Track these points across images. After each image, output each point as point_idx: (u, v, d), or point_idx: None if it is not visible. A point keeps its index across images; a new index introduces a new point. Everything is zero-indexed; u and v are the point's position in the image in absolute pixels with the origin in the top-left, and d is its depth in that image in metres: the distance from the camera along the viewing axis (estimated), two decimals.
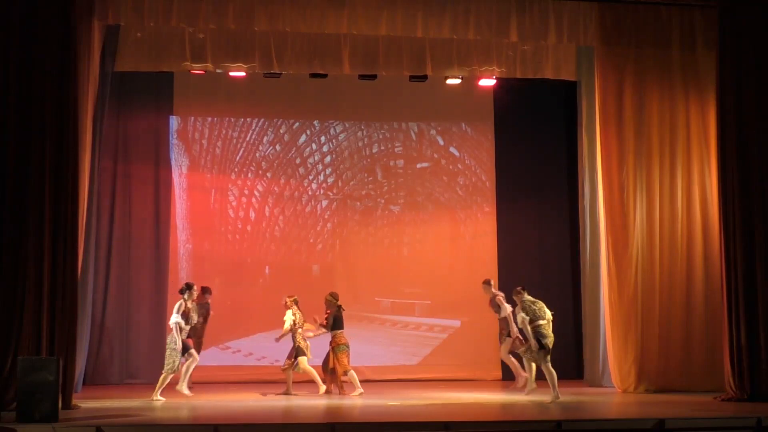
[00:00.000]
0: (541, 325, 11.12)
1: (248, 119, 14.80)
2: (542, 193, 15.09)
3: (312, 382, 12.07)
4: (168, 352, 11.30)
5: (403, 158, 15.15)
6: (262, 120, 14.85)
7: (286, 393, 11.94)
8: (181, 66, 12.49)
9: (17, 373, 9.22)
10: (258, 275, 14.59)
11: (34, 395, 8.96)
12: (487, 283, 12.65)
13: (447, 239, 15.09)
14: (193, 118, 14.69)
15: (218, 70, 12.71)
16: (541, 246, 15.04)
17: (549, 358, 11.12)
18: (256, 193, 14.74)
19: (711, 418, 9.48)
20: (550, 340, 11.12)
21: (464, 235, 15.14)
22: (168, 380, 11.31)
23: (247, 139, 14.79)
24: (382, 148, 15.13)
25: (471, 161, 15.25)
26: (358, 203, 14.97)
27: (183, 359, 11.41)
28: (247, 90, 14.38)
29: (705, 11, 12.19)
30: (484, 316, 14.56)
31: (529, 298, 11.29)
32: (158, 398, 11.17)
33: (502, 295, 12.51)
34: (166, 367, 11.24)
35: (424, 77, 13.38)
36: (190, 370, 11.58)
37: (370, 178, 15.07)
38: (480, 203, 15.19)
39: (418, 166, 15.17)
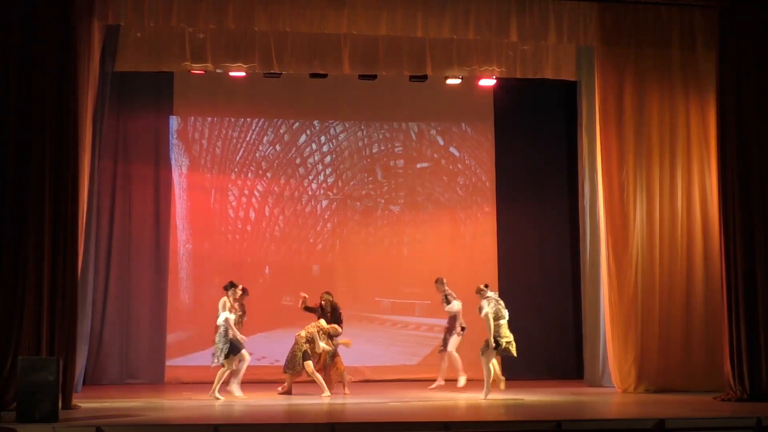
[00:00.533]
0: (501, 324, 11.23)
1: (248, 119, 14.80)
2: (542, 193, 15.09)
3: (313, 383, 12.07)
4: (218, 349, 11.35)
5: (403, 158, 15.15)
6: (262, 120, 14.85)
7: (287, 393, 11.94)
8: (181, 66, 12.48)
9: (17, 373, 9.21)
10: (258, 275, 14.58)
11: (34, 395, 8.95)
12: (440, 281, 12.68)
13: (447, 239, 15.09)
14: (193, 118, 14.69)
15: (218, 70, 12.70)
16: (541, 246, 15.04)
17: (497, 358, 11.26)
18: (256, 193, 14.74)
19: (711, 418, 9.47)
20: (505, 341, 11.23)
21: (464, 235, 15.14)
22: (223, 377, 11.40)
23: (247, 139, 14.79)
24: (382, 148, 15.13)
25: (471, 161, 15.25)
26: (358, 203, 14.97)
27: (236, 359, 11.47)
28: (247, 90, 14.38)
29: (705, 11, 12.18)
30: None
31: (494, 295, 11.39)
32: (216, 396, 11.33)
33: (453, 294, 12.57)
34: (214, 362, 11.41)
35: (424, 77, 13.37)
36: (242, 372, 11.54)
37: (370, 178, 15.07)
38: (480, 203, 15.18)
39: (418, 166, 15.17)
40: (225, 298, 11.53)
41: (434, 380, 12.74)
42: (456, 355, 12.57)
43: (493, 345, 11.18)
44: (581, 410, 10.49)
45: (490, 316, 11.19)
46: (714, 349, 11.93)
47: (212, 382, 13.46)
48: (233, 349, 11.41)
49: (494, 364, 11.38)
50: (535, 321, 14.76)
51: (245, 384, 12.25)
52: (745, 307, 11.29)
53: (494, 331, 11.19)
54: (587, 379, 13.37)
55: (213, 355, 11.55)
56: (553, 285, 14.89)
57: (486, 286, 11.56)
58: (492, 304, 11.27)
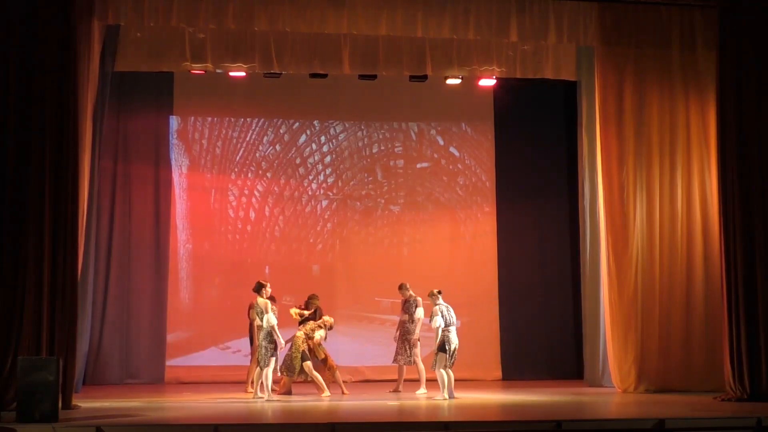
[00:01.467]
0: (451, 330, 11.27)
1: (248, 119, 14.80)
2: (542, 193, 15.09)
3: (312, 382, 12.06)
4: (264, 351, 11.21)
5: (403, 158, 15.15)
6: (262, 120, 14.85)
7: (286, 393, 11.94)
8: (181, 66, 12.48)
9: (17, 373, 9.21)
10: (258, 275, 14.52)
11: (34, 395, 8.95)
12: (404, 287, 12.27)
13: (447, 239, 15.09)
14: (193, 118, 14.69)
15: (218, 70, 12.71)
16: (541, 246, 15.04)
17: (451, 363, 11.27)
18: (256, 193, 14.74)
19: (711, 418, 9.47)
20: (455, 347, 11.27)
21: (464, 235, 15.14)
22: (268, 377, 11.22)
23: (247, 139, 14.79)
24: (382, 148, 15.13)
25: (471, 161, 15.25)
26: (358, 203, 14.97)
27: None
28: (247, 90, 14.38)
29: (705, 11, 12.19)
30: (484, 316, 14.59)
31: (444, 303, 11.37)
32: (260, 395, 11.23)
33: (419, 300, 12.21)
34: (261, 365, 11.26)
35: (424, 77, 13.38)
36: (270, 377, 11.30)
37: (370, 178, 15.07)
38: (480, 203, 15.18)
39: (418, 166, 15.16)
40: (267, 300, 11.35)
41: (436, 380, 12.66)
42: (422, 364, 12.16)
43: (444, 351, 11.19)
44: (581, 410, 10.49)
45: (441, 329, 11.20)
46: (714, 349, 11.93)
47: (210, 382, 13.51)
48: (275, 350, 11.26)
49: (449, 372, 11.31)
50: (535, 321, 14.77)
51: (242, 384, 12.27)
52: (745, 307, 11.29)
53: (444, 337, 11.20)
54: (587, 379, 13.37)
55: (263, 357, 11.24)
56: (553, 285, 14.89)
57: (439, 292, 11.47)
58: (443, 314, 11.25)
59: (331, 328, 12.16)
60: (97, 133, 12.06)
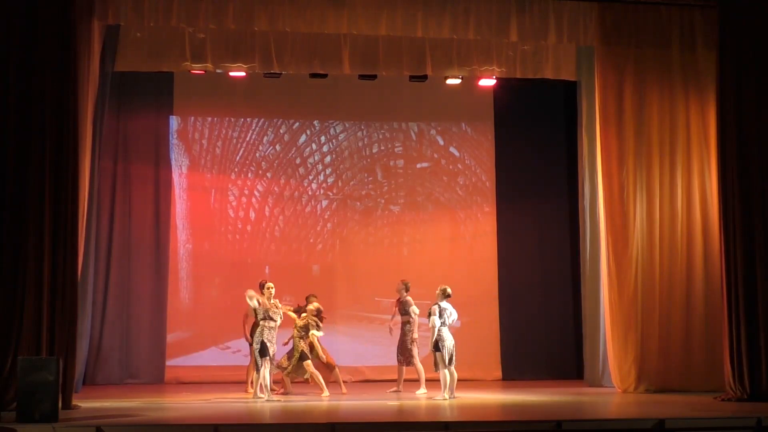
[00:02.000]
0: (443, 330, 11.22)
1: (248, 119, 14.80)
2: (542, 193, 15.09)
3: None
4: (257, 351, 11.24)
5: (403, 158, 15.15)
6: (262, 120, 14.85)
7: (286, 393, 11.94)
8: (181, 66, 12.48)
9: (17, 373, 9.21)
10: (258, 275, 14.52)
11: (34, 395, 8.95)
12: (405, 285, 12.26)
13: (447, 239, 15.09)
14: (193, 118, 14.70)
15: (218, 70, 12.71)
16: (541, 246, 15.04)
17: (451, 360, 11.19)
18: (256, 193, 14.74)
19: (711, 418, 9.47)
20: (449, 343, 11.19)
21: (464, 235, 15.14)
22: (263, 377, 11.17)
23: (247, 139, 14.79)
24: (382, 148, 15.13)
25: (471, 161, 15.25)
26: (358, 203, 14.97)
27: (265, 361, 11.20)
28: (247, 90, 14.38)
29: (705, 11, 12.19)
30: (484, 316, 14.60)
31: (448, 304, 11.33)
32: (260, 395, 11.18)
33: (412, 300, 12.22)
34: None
35: (424, 77, 13.38)
36: (268, 377, 11.26)
37: (370, 178, 15.07)
38: (480, 203, 15.18)
39: (418, 166, 15.17)
40: (254, 296, 11.30)
41: (436, 380, 12.65)
42: (420, 365, 12.15)
43: (438, 350, 11.15)
44: (581, 410, 10.49)
45: (437, 329, 11.15)
46: (714, 349, 11.93)
47: (210, 382, 13.52)
48: (263, 350, 11.20)
49: (452, 372, 11.28)
50: (535, 321, 14.78)
51: (242, 384, 12.27)
52: (745, 307, 11.29)
53: (438, 336, 11.15)
54: (587, 379, 13.37)
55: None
56: (553, 285, 14.89)
57: (446, 291, 11.40)
58: (442, 314, 11.20)
59: (318, 314, 11.97)
60: (97, 133, 12.06)
